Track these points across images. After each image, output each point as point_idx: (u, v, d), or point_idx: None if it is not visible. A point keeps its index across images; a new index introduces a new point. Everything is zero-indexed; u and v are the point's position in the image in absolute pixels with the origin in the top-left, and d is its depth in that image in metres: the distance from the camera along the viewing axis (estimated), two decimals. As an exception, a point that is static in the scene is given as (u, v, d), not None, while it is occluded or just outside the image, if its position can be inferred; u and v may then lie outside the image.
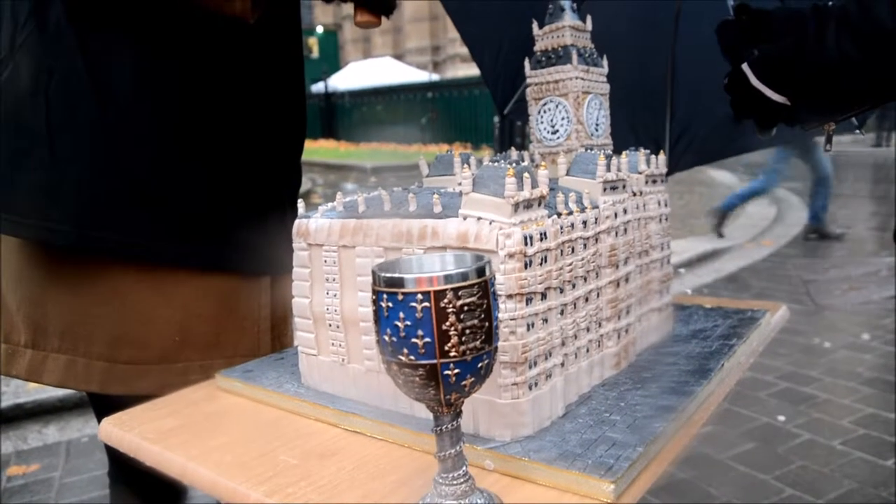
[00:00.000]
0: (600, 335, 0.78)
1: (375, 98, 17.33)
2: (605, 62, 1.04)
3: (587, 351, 0.76)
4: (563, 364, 0.71)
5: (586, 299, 0.75)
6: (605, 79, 1.03)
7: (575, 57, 0.97)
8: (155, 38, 0.92)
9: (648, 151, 0.93)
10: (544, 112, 1.01)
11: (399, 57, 26.82)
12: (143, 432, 0.80)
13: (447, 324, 0.48)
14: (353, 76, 20.44)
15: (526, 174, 0.64)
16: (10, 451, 2.66)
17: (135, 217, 0.93)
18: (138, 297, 0.96)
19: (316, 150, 14.30)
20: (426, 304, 0.48)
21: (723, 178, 9.52)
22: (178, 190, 0.95)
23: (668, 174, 1.78)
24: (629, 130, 1.68)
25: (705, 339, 0.93)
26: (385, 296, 0.49)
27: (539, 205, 0.67)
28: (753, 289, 4.35)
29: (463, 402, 0.53)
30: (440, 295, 0.48)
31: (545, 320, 0.67)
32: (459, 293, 0.48)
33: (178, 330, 0.98)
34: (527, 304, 0.64)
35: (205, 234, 0.98)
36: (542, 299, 0.66)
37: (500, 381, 0.64)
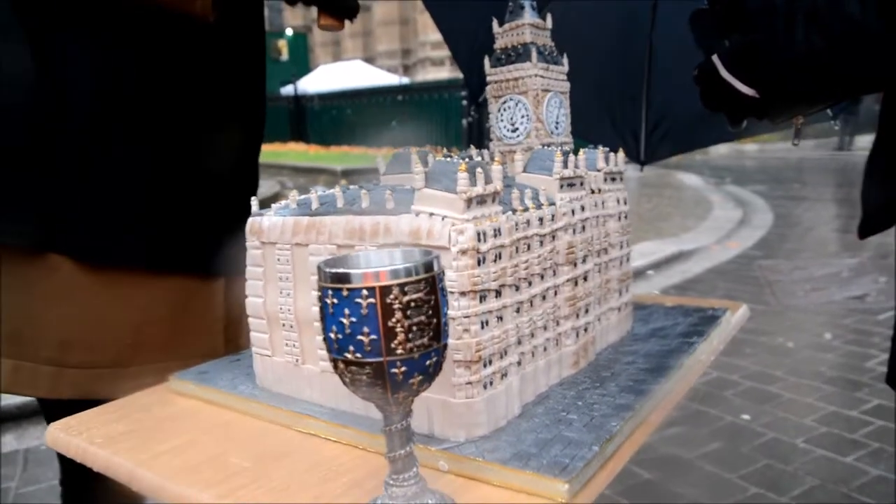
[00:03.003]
0: (558, 334, 0.78)
1: (345, 101, 17.25)
2: (565, 60, 1.04)
3: (545, 350, 0.75)
4: (519, 363, 0.70)
5: (543, 297, 0.74)
6: (565, 77, 1.03)
7: (534, 55, 0.96)
8: (111, 36, 0.90)
9: (608, 149, 0.93)
10: (504, 110, 1.00)
11: (369, 60, 26.78)
12: (91, 437, 0.77)
13: (393, 320, 0.47)
14: (322, 79, 20.33)
15: (479, 169, 0.63)
16: (-35, 460, 2.58)
17: (85, 217, 0.91)
18: (89, 298, 0.93)
19: (285, 152, 14.18)
20: (371, 300, 0.47)
21: (690, 181, 9.67)
22: (129, 190, 0.93)
23: (644, 163, 1.80)
24: (607, 120, 1.69)
25: (665, 337, 0.93)
26: (330, 292, 0.48)
27: (493, 201, 0.66)
28: (719, 290, 4.40)
29: (412, 401, 0.52)
30: (385, 290, 0.47)
31: (500, 318, 0.66)
32: (406, 289, 0.47)
33: (130, 332, 0.96)
34: (480, 301, 0.63)
35: (157, 235, 0.96)
36: (496, 297, 0.65)
37: (453, 381, 0.63)
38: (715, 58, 0.86)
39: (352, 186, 0.78)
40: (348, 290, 0.47)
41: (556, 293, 0.77)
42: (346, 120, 16.49)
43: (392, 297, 0.47)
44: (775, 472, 2.25)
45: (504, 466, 0.58)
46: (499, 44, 1.02)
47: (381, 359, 0.47)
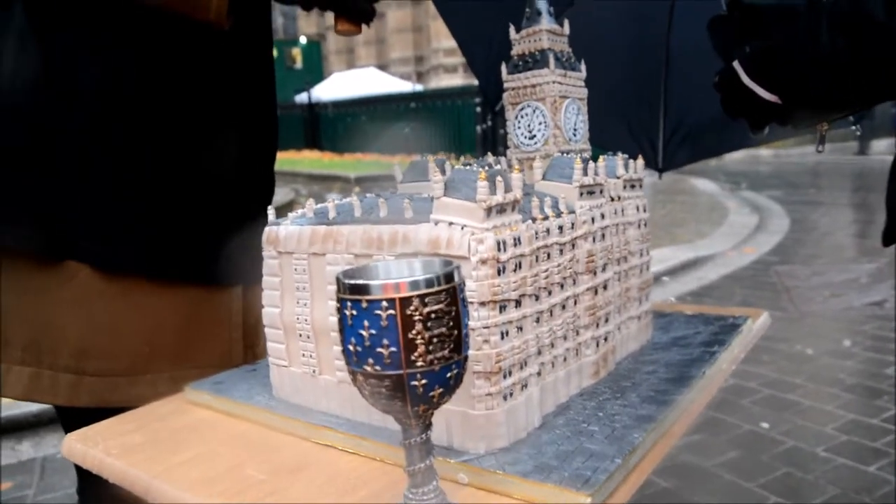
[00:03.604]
0: (578, 344, 0.76)
1: (359, 108, 17.32)
2: (583, 67, 1.03)
3: (564, 360, 0.74)
4: (539, 374, 0.69)
5: (563, 307, 0.73)
6: (582, 83, 1.02)
7: (552, 61, 0.95)
8: (123, 43, 0.90)
9: (627, 156, 0.92)
10: (521, 117, 0.99)
11: (383, 67, 26.88)
12: (107, 448, 0.77)
13: (413, 332, 0.46)
14: (336, 86, 20.43)
15: (499, 178, 0.62)
16: (-17, 468, 2.60)
17: (102, 226, 0.91)
18: (105, 307, 0.93)
19: (299, 160, 14.25)
20: (391, 311, 0.46)
21: (705, 186, 9.61)
22: (145, 199, 0.93)
23: (662, 170, 1.78)
24: (624, 126, 1.67)
25: (686, 346, 0.92)
26: (349, 303, 0.47)
27: (513, 209, 0.65)
28: (736, 296, 4.37)
29: (432, 413, 0.51)
30: (406, 302, 0.46)
31: (520, 328, 0.65)
32: (426, 300, 0.46)
33: (146, 340, 0.95)
34: (500, 311, 0.62)
35: (173, 243, 0.95)
36: (516, 307, 0.64)
37: (473, 392, 0.62)
38: (736, 64, 0.85)
39: (369, 195, 0.77)
40: (368, 301, 0.46)
41: (575, 302, 0.76)
42: (360, 127, 16.56)
43: (412, 308, 0.46)
44: (795, 480, 2.21)
45: (525, 479, 0.57)
46: (516, 50, 1.01)
47: (400, 371, 0.47)
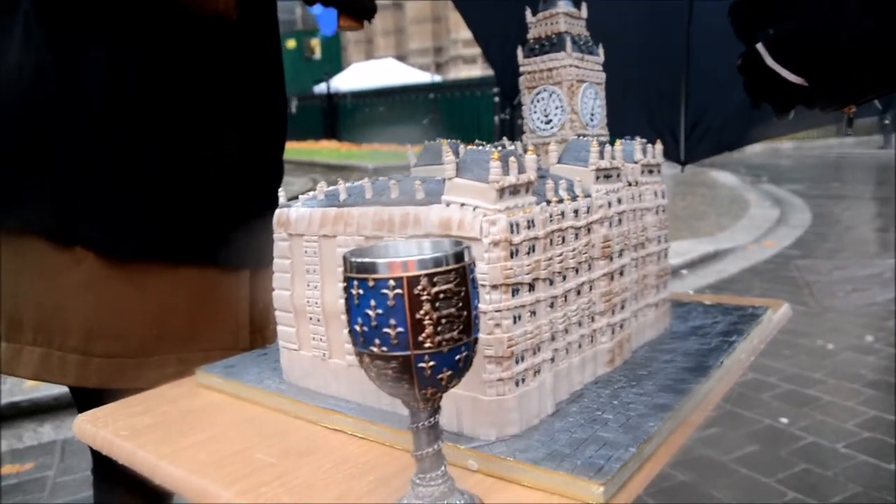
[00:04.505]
0: (593, 330, 0.75)
1: (377, 99, 17.32)
2: (600, 50, 1.00)
3: (579, 346, 0.72)
4: (552, 360, 0.67)
5: (578, 292, 0.72)
6: (600, 67, 1.00)
7: (569, 44, 0.93)
8: (132, 35, 0.90)
9: (645, 141, 0.90)
10: (537, 101, 0.97)
11: (401, 58, 26.82)
12: (116, 429, 0.77)
13: (421, 312, 0.45)
14: (355, 77, 20.43)
15: (512, 158, 0.61)
16: (6, 449, 2.63)
17: (111, 209, 0.92)
18: (112, 289, 0.94)
19: (318, 150, 14.28)
20: (398, 290, 0.45)
21: (725, 179, 9.49)
22: (154, 183, 0.93)
23: (684, 164, 1.74)
24: (643, 118, 1.64)
25: (704, 335, 0.90)
26: (356, 282, 0.46)
27: (526, 191, 0.63)
28: (756, 290, 4.31)
29: (440, 397, 0.50)
30: (413, 281, 0.44)
31: (533, 313, 0.63)
32: (434, 279, 0.45)
33: (154, 323, 0.96)
34: (513, 295, 0.61)
35: (182, 227, 0.96)
36: (529, 291, 0.63)
37: (484, 377, 0.61)
38: (760, 46, 0.82)
39: (381, 178, 0.76)
40: (374, 280, 0.45)
41: (591, 288, 0.74)
42: (379, 118, 16.55)
43: (420, 287, 0.45)
44: (814, 477, 2.18)
45: (536, 467, 0.56)
46: (532, 33, 0.99)
47: (408, 352, 0.45)
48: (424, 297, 0.45)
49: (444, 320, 0.45)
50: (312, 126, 17.52)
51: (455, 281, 0.46)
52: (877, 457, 2.27)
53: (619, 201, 0.78)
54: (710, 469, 2.25)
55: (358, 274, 0.46)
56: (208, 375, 0.87)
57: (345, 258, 0.47)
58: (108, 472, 1.13)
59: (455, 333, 0.46)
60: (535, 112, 0.98)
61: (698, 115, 1.55)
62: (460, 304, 0.46)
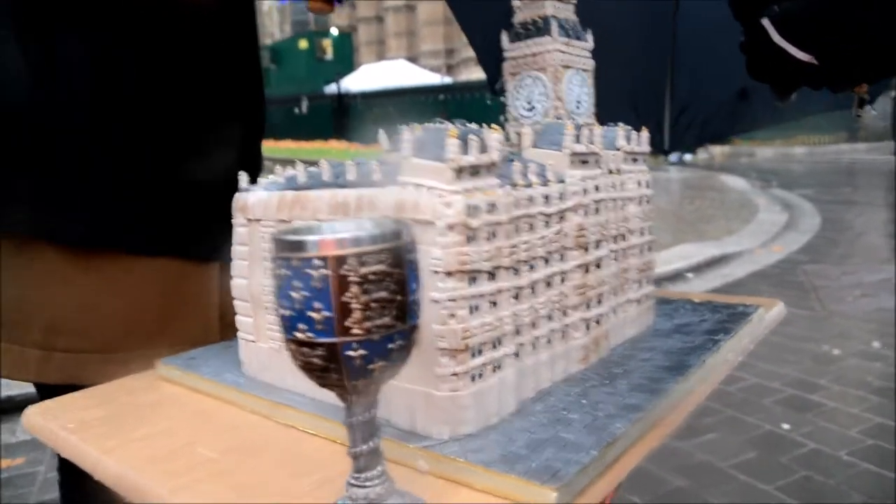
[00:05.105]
0: (565, 325, 0.70)
1: (387, 100, 17.34)
2: (589, 36, 0.96)
3: (549, 342, 0.68)
4: (517, 354, 0.63)
5: (548, 284, 0.67)
6: (588, 54, 0.95)
7: (555, 28, 0.89)
8: (108, 23, 0.87)
9: (630, 128, 0.85)
10: (521, 88, 0.93)
11: (413, 59, 26.84)
12: (64, 422, 0.73)
13: (348, 295, 0.40)
14: (366, 78, 20.45)
15: (472, 136, 0.57)
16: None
17: (77, 201, 0.88)
18: (75, 282, 0.90)
19: (327, 150, 14.28)
20: (324, 270, 0.40)
21: (735, 183, 9.41)
22: (123, 174, 0.90)
23: (668, 153, 1.70)
24: (629, 107, 1.60)
25: (688, 334, 0.85)
26: (281, 262, 0.42)
27: (489, 173, 0.59)
28: (762, 294, 4.24)
29: (376, 390, 0.45)
30: (340, 260, 0.40)
31: (494, 304, 0.59)
32: (364, 259, 0.41)
33: (118, 318, 0.92)
34: (470, 283, 0.56)
35: (150, 219, 0.92)
36: (489, 279, 0.58)
37: (437, 371, 0.56)
38: (766, 22, 0.77)
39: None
40: (299, 259, 0.41)
41: (563, 280, 0.69)
42: (388, 119, 16.50)
43: (347, 267, 0.40)
44: (816, 484, 2.12)
45: (487, 469, 0.52)
46: (517, 18, 0.95)
47: (334, 339, 0.41)
48: (352, 279, 0.40)
49: (374, 304, 0.41)
50: (322, 126, 17.54)
51: (388, 261, 0.41)
52: (881, 465, 2.21)
53: (597, 189, 0.73)
54: (708, 475, 2.19)
55: (283, 253, 0.42)
56: (168, 367, 0.84)
57: (272, 237, 0.43)
58: (73, 470, 1.09)
59: (388, 319, 0.42)
60: (518, 99, 0.93)
61: (684, 104, 1.51)
62: (394, 287, 0.42)
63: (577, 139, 0.71)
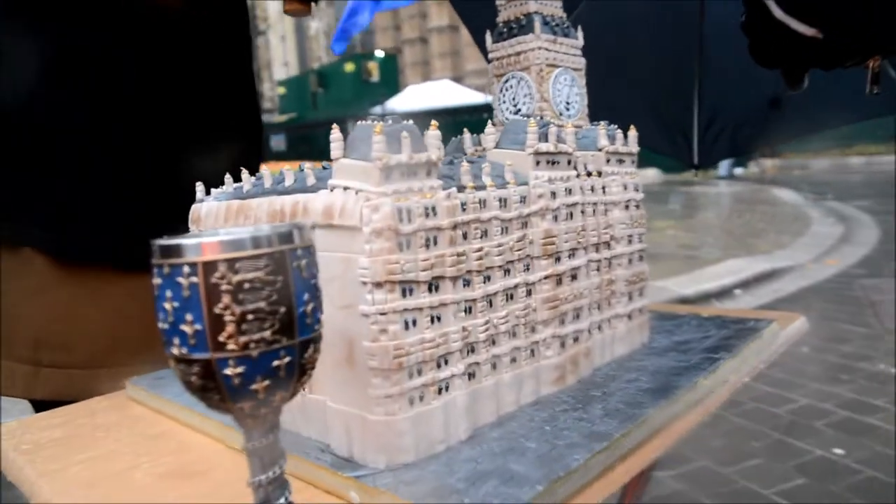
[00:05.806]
0: (533, 342, 0.64)
1: (431, 120, 17.43)
2: (579, 34, 0.90)
3: (512, 360, 0.62)
4: (470, 375, 0.57)
5: (509, 296, 0.61)
6: (578, 51, 0.90)
7: (538, 25, 0.84)
8: (109, 23, 0.87)
9: (614, 126, 0.79)
10: (506, 90, 0.88)
11: (458, 79, 26.98)
12: (19, 443, 0.71)
13: (220, 306, 0.36)
14: (411, 99, 20.61)
15: (405, 133, 0.52)
16: None
17: (63, 214, 0.87)
18: (63, 296, 0.89)
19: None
20: (193, 278, 0.36)
21: (787, 196, 9.08)
22: (109, 188, 0.89)
23: (698, 167, 1.62)
24: (653, 120, 1.53)
25: (686, 352, 0.77)
26: (155, 269, 0.38)
27: (427, 174, 0.54)
28: (814, 310, 4.04)
29: (272, 413, 0.40)
30: (210, 267, 0.36)
31: (437, 318, 0.53)
32: (236, 266, 0.36)
33: (107, 333, 0.91)
34: (403, 295, 0.51)
35: (137, 233, 0.90)
36: (430, 291, 0.53)
37: (370, 392, 0.51)
38: None
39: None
40: (169, 266, 0.37)
41: (529, 292, 0.63)
42: (432, 138, 16.59)
43: (218, 275, 0.36)
44: (868, 515, 1.97)
45: (415, 504, 0.46)
46: (501, 16, 0.90)
47: (208, 355, 0.36)
48: (224, 288, 0.36)
49: (250, 317, 0.36)
50: (367, 147, 17.75)
51: (266, 268, 0.36)
52: (941, 495, 2.04)
53: (569, 191, 0.67)
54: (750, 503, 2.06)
55: (156, 259, 0.38)
56: (135, 388, 0.81)
57: (152, 244, 0.39)
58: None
59: (268, 334, 0.37)
60: (504, 101, 0.88)
61: (713, 113, 1.43)
62: (275, 298, 0.37)
63: (544, 137, 0.65)
